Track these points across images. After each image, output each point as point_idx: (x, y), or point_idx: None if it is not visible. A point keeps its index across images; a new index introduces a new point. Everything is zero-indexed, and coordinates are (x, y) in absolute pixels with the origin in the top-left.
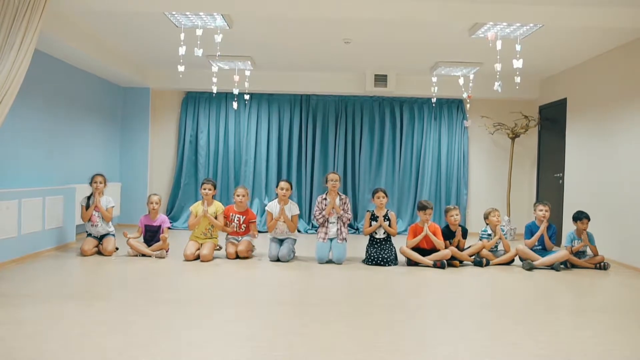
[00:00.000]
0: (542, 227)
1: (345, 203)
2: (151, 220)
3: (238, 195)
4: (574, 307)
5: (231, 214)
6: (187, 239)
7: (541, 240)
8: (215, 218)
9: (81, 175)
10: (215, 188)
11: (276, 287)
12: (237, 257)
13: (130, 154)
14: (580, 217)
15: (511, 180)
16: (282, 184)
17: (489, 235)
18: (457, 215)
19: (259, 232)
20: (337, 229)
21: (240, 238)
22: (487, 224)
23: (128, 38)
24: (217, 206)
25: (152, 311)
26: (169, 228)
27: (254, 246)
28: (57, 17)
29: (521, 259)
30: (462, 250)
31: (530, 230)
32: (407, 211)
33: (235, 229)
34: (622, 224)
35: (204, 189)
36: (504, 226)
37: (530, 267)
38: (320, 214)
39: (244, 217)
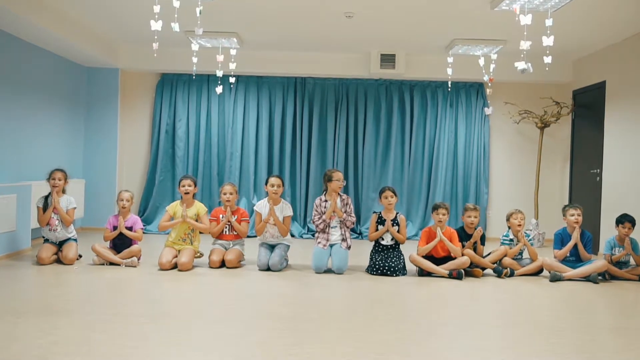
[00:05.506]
0: (575, 235)
1: (347, 204)
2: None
3: (225, 194)
4: (614, 325)
5: (221, 215)
6: (162, 244)
7: (574, 250)
8: (196, 221)
9: (38, 171)
10: (196, 185)
11: (266, 300)
12: (222, 265)
13: (96, 145)
14: (622, 220)
15: (539, 177)
16: (273, 180)
17: (511, 240)
18: (475, 218)
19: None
20: (341, 234)
21: (231, 243)
22: (509, 227)
23: (93, 10)
24: (198, 207)
25: (121, 329)
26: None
27: (244, 255)
28: None
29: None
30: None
31: (561, 239)
32: (418, 213)
33: (227, 232)
34: None
35: (183, 186)
36: (530, 231)
37: (557, 278)
38: (319, 218)
39: (235, 217)
